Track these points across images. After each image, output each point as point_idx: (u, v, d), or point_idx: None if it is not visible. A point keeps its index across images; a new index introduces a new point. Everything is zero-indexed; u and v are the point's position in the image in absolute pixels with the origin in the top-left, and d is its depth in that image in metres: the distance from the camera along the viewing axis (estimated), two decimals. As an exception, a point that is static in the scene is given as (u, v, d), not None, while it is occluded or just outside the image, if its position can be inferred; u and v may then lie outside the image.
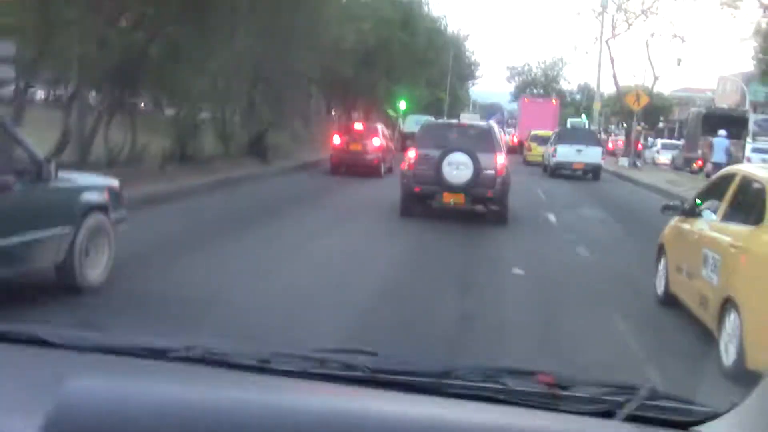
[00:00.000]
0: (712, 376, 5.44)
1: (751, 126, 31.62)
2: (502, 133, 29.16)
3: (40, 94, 29.20)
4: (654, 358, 5.83)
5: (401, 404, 1.41)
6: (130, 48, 15.34)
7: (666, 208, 7.89)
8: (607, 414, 1.43)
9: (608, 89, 52.79)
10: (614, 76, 42.39)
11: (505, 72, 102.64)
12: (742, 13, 40.21)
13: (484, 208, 13.44)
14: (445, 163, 12.62)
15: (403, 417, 1.28)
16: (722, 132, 26.27)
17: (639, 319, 7.23)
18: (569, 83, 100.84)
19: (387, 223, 13.10)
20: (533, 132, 35.55)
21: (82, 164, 13.02)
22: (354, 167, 21.78)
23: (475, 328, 6.58)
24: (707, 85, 73.20)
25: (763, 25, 39.11)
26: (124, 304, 6.51)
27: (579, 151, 25.67)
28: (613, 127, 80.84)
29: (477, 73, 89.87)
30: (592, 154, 25.81)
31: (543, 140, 32.00)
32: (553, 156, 26.33)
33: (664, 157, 38.83)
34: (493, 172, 12.80)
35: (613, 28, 41.27)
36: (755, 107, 43.59)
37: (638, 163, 34.25)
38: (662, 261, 7.87)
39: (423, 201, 13.40)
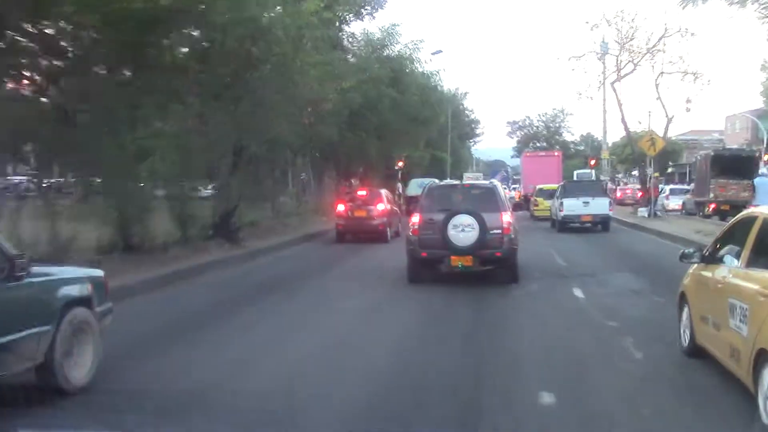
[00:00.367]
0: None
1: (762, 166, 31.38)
2: (507, 190, 28.96)
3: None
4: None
5: None
6: (38, 116, 13.24)
7: (684, 257, 7.67)
8: None
9: (613, 136, 51.99)
10: (623, 121, 40.05)
11: (506, 127, 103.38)
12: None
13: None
14: (450, 225, 12.54)
15: None
16: (765, 171, 25.96)
17: None
18: (572, 134, 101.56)
19: (394, 292, 12.84)
20: (539, 186, 36.12)
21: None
22: (360, 234, 22.28)
23: None
24: (714, 126, 73.38)
25: None
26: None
27: (586, 203, 25.98)
28: (620, 175, 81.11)
29: (478, 131, 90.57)
30: (599, 206, 26.08)
31: (549, 194, 32.40)
32: (561, 210, 26.55)
33: (674, 203, 38.40)
34: (499, 231, 12.71)
35: (619, 69, 38.76)
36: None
37: (658, 212, 32.68)
38: (685, 310, 7.71)
39: (431, 266, 13.26)
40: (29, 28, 12.90)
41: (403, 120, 34.96)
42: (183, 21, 14.64)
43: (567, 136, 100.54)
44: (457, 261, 12.70)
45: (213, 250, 17.45)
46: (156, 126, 16.53)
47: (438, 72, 39.14)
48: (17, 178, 28.64)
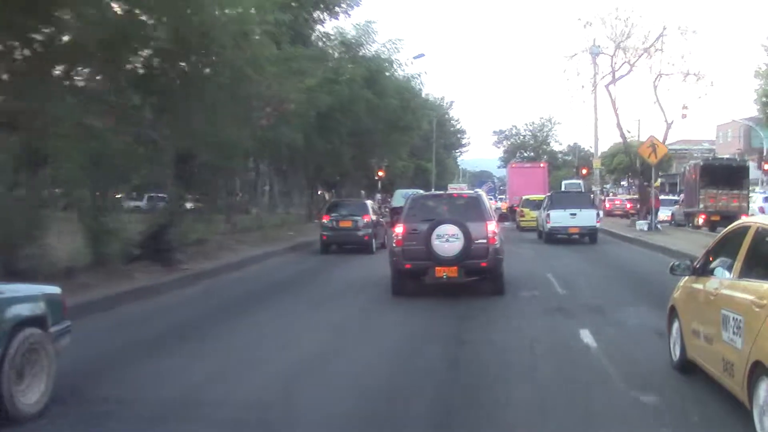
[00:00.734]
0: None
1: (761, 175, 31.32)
2: (494, 201, 28.75)
3: None
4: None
5: None
6: None
7: (674, 269, 7.62)
8: None
9: (602, 145, 51.11)
10: (618, 126, 37.86)
11: (492, 137, 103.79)
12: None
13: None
14: (434, 236, 12.47)
15: None
16: None
17: None
18: (560, 144, 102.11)
19: (376, 306, 12.68)
20: (525, 197, 36.72)
21: None
22: (345, 244, 22.86)
23: None
24: (705, 135, 73.88)
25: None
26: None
27: (573, 215, 26.12)
28: (608, 186, 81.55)
29: (464, 141, 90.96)
30: (586, 218, 26.21)
31: (535, 205, 32.85)
32: (548, 222, 26.69)
33: (663, 214, 37.91)
34: (485, 241, 12.67)
35: (613, 70, 36.36)
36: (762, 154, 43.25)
37: (659, 225, 30.89)
38: (675, 325, 7.68)
39: (415, 277, 13.20)
40: None
41: (382, 126, 33.34)
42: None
43: (555, 146, 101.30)
44: (441, 272, 12.62)
45: (137, 275, 14.31)
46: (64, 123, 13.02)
47: (419, 75, 37.26)
48: None
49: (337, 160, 33.10)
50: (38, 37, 12.39)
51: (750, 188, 33.61)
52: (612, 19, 35.41)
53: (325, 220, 23.52)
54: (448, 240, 12.42)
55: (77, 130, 12.62)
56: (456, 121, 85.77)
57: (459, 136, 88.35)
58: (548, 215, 26.61)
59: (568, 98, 60.45)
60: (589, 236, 26.43)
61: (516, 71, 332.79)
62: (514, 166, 58.34)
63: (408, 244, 12.88)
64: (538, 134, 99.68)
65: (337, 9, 30.03)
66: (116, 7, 13.22)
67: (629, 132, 46.56)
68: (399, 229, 13.24)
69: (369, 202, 25.84)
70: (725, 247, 6.97)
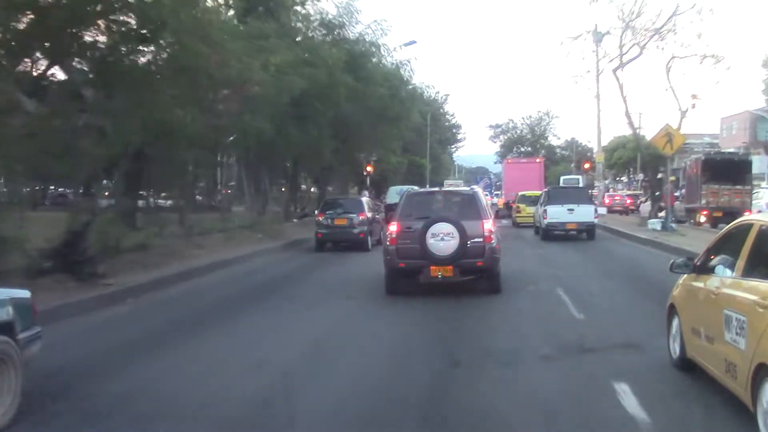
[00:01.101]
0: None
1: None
2: (490, 197, 28.60)
3: None
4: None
5: None
6: None
7: (675, 266, 7.65)
8: None
9: (603, 139, 49.26)
10: (627, 114, 35.44)
11: (488, 131, 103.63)
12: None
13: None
14: (428, 234, 12.48)
15: None
16: None
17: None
18: (558, 138, 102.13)
19: (369, 306, 12.66)
20: (521, 193, 37.26)
21: None
22: (340, 242, 23.18)
23: None
24: (707, 129, 73.76)
25: None
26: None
27: (571, 210, 26.23)
28: (607, 181, 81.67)
29: (459, 136, 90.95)
30: (584, 213, 26.31)
31: (532, 201, 33.36)
32: (545, 217, 26.82)
33: (662, 211, 38.40)
34: (481, 240, 12.68)
35: (621, 53, 33.71)
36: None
37: (673, 224, 27.76)
38: (675, 322, 7.74)
39: (409, 276, 13.19)
40: None
41: (368, 116, 31.43)
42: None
43: (553, 140, 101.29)
44: (436, 271, 12.63)
45: (41, 293, 10.12)
46: None
47: (409, 62, 34.74)
48: None
49: (316, 153, 30.64)
50: None
51: (755, 183, 33.60)
52: None
53: (320, 218, 23.75)
54: (443, 239, 12.42)
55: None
56: (451, 115, 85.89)
57: (454, 131, 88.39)
58: (545, 211, 26.77)
59: (571, 85, 58.75)
60: (586, 232, 26.59)
61: (512, 63, 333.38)
62: (510, 161, 58.95)
63: (402, 243, 12.89)
64: (536, 128, 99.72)
65: None
66: None
67: (632, 124, 45.45)
68: (393, 227, 13.25)
69: (365, 199, 26.03)
70: (727, 245, 6.96)
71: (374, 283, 14.19)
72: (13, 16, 12.11)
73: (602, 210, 40.04)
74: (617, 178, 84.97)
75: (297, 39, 27.06)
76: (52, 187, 43.63)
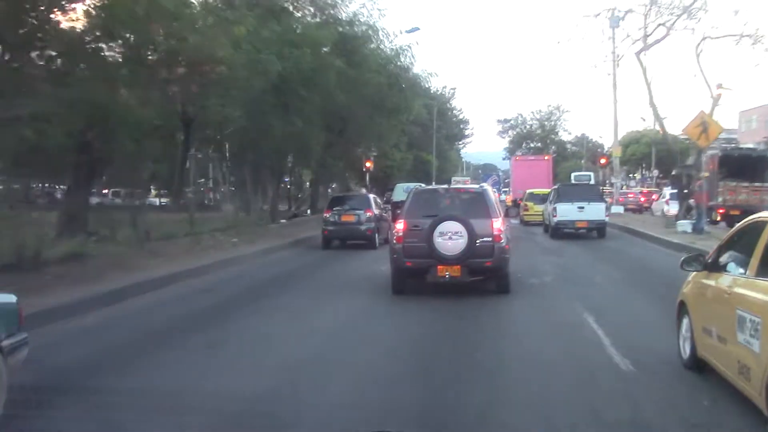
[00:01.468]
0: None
1: None
2: (497, 194, 28.61)
3: None
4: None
5: None
6: None
7: (685, 263, 7.73)
8: None
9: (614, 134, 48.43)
10: (651, 103, 32.89)
11: (497, 126, 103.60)
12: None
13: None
14: (436, 233, 12.54)
15: None
16: None
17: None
18: (569, 133, 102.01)
19: (374, 306, 12.72)
20: (529, 191, 37.73)
21: None
22: (347, 239, 23.71)
23: None
24: (724, 124, 73.39)
25: None
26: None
27: (581, 208, 26.35)
28: (619, 178, 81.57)
29: (467, 132, 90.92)
30: (595, 211, 26.43)
31: (540, 198, 33.64)
32: (554, 215, 26.93)
33: (675, 209, 36.30)
34: (490, 239, 12.71)
35: (646, 35, 31.65)
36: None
37: (705, 227, 25.70)
38: (685, 321, 7.78)
39: (416, 276, 13.24)
40: None
41: (363, 106, 29.73)
42: None
43: (564, 136, 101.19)
44: (444, 271, 12.69)
45: None
46: None
47: (410, 47, 32.37)
48: None
49: (303, 146, 28.20)
50: None
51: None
52: None
53: (327, 215, 24.09)
54: (451, 238, 12.49)
55: None
56: (458, 110, 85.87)
57: (462, 126, 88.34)
58: (555, 209, 26.90)
59: (582, 77, 57.43)
60: (597, 231, 26.66)
61: (521, 56, 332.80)
62: (517, 159, 60.02)
63: (409, 241, 12.96)
64: (546, 123, 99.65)
65: None
66: None
67: (644, 120, 44.44)
68: (400, 225, 13.33)
69: (372, 196, 26.31)
70: (739, 242, 6.99)
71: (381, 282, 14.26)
72: None
73: (619, 209, 39.93)
74: (630, 175, 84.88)
75: (276, 12, 24.76)
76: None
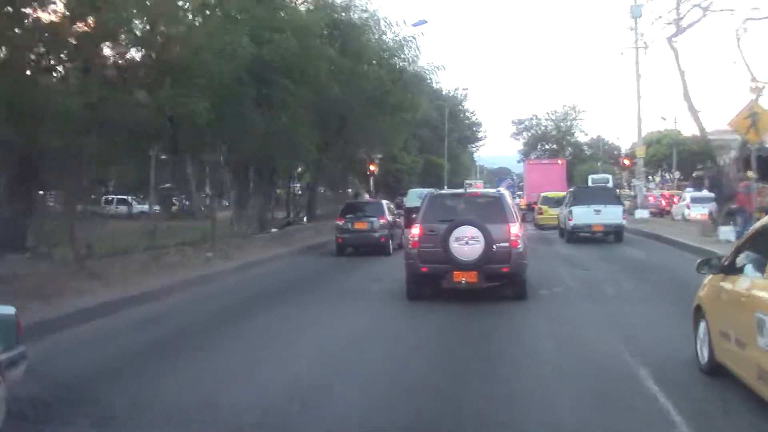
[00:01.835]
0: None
1: None
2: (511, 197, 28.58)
3: None
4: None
5: None
6: None
7: (701, 265, 7.90)
8: None
9: (632, 134, 47.84)
10: (686, 96, 29.50)
11: (511, 127, 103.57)
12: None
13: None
14: (452, 238, 12.73)
15: None
16: None
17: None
18: (586, 135, 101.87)
19: (389, 311, 12.91)
20: (543, 194, 37.96)
21: None
22: (360, 247, 24.01)
23: None
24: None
25: None
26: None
27: (597, 211, 26.38)
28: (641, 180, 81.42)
29: (480, 135, 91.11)
30: (612, 214, 26.42)
31: (555, 202, 33.97)
32: (570, 219, 26.98)
33: (696, 212, 36.42)
34: (507, 244, 12.86)
35: (679, 17, 29.28)
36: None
37: None
38: (702, 325, 7.84)
39: (432, 281, 13.43)
40: None
41: (363, 102, 28.08)
42: None
43: (580, 137, 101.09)
44: (460, 277, 12.85)
45: None
46: None
47: (414, 38, 30.38)
48: None
49: (289, 146, 25.32)
50: None
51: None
52: None
53: (340, 222, 24.52)
54: (467, 243, 12.66)
55: None
56: (471, 113, 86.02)
57: (474, 129, 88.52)
58: (570, 212, 26.93)
59: (598, 75, 56.41)
60: (614, 235, 26.61)
61: (535, 55, 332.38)
62: (531, 162, 61.55)
63: (424, 246, 13.15)
64: (562, 124, 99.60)
65: None
66: None
67: (664, 119, 43.34)
68: (415, 230, 13.53)
69: (385, 202, 26.63)
70: (757, 244, 7.05)
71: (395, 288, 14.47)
72: None
73: (644, 213, 39.13)
74: (648, 177, 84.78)
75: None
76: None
